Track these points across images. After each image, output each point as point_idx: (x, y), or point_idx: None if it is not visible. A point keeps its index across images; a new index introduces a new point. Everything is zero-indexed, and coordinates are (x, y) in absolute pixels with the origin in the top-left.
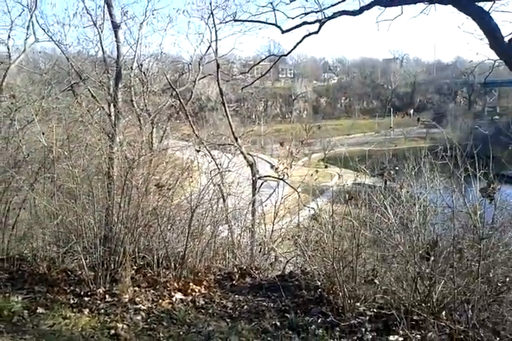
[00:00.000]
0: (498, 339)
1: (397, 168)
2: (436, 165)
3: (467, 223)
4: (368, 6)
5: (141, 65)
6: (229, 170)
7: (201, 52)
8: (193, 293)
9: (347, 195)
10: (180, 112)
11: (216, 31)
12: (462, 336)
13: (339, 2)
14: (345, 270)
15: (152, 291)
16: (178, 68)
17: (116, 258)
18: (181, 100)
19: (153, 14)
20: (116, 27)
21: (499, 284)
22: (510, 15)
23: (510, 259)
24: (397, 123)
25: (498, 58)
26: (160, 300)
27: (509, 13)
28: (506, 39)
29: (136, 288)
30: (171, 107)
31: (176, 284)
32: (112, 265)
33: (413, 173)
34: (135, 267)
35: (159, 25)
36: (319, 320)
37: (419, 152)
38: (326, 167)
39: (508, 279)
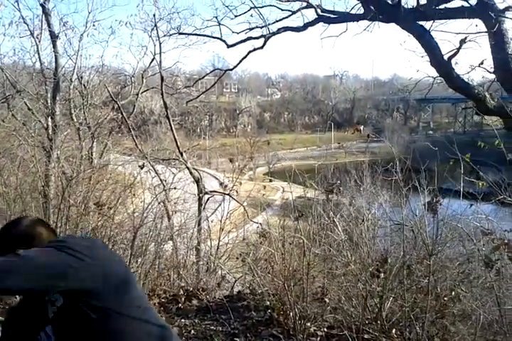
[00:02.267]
0: None
1: (338, 182)
2: (383, 180)
3: (416, 239)
4: (312, 23)
5: (81, 77)
6: (175, 188)
7: (144, 64)
8: None
9: (297, 212)
10: (122, 126)
11: (160, 44)
12: None
13: (283, 18)
14: (295, 289)
15: None
16: (120, 80)
17: None
18: (123, 113)
19: (94, 25)
20: (54, 37)
21: (445, 298)
22: (448, 34)
23: (458, 274)
24: (338, 138)
25: (437, 75)
26: None
27: (447, 32)
28: (445, 57)
29: None
30: (112, 120)
31: None
32: None
33: (355, 187)
34: None
35: (100, 36)
36: None
37: (359, 165)
38: (270, 181)
39: (453, 293)
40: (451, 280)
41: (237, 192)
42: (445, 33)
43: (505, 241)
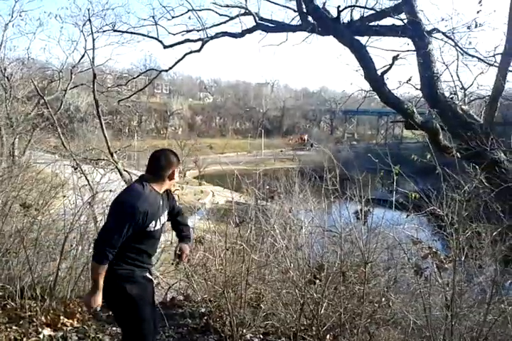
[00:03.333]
0: None
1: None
2: (312, 186)
3: (352, 246)
4: (250, 30)
5: (5, 69)
6: (110, 190)
7: (74, 60)
8: (64, 328)
9: (237, 218)
10: (46, 122)
11: (94, 39)
12: None
13: (221, 23)
14: (233, 296)
15: (15, 328)
16: (46, 75)
17: None
18: (50, 109)
19: (20, 15)
20: None
21: (376, 305)
22: (381, 51)
23: (389, 281)
24: (267, 145)
25: (369, 89)
26: (24, 339)
27: (380, 49)
28: (379, 72)
29: None
30: (37, 116)
31: (43, 318)
32: None
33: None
34: None
35: (27, 28)
36: None
37: (289, 172)
38: (200, 184)
39: (383, 299)
40: (381, 287)
41: (178, 196)
42: (377, 49)
43: (434, 250)
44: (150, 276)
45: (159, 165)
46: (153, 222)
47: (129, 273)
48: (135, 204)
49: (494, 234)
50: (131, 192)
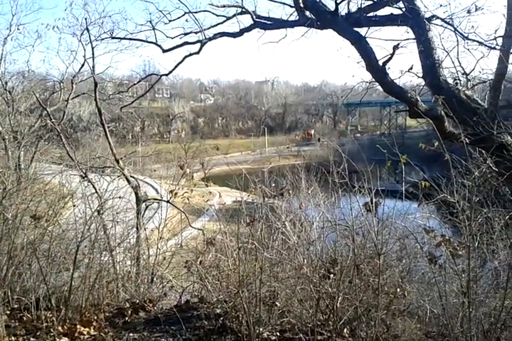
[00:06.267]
0: None
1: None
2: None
3: (365, 239)
4: (248, 29)
5: (6, 83)
6: (119, 197)
7: (74, 70)
8: (82, 337)
9: (248, 218)
10: (51, 133)
11: (93, 48)
12: None
13: (219, 24)
14: (247, 295)
15: (32, 339)
16: (48, 86)
17: None
18: (53, 120)
19: (18, 29)
20: None
21: (391, 295)
22: (382, 41)
23: (403, 271)
24: (271, 142)
25: (371, 80)
26: None
27: (380, 39)
28: (380, 62)
29: (13, 338)
30: (40, 128)
31: (60, 328)
32: None
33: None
34: (8, 312)
35: (26, 40)
36: None
37: (295, 168)
38: (206, 186)
39: (398, 289)
40: (396, 277)
41: (188, 199)
42: (377, 39)
43: (447, 237)
44: None
45: None
46: None
47: None
48: None
49: (507, 218)
50: None
